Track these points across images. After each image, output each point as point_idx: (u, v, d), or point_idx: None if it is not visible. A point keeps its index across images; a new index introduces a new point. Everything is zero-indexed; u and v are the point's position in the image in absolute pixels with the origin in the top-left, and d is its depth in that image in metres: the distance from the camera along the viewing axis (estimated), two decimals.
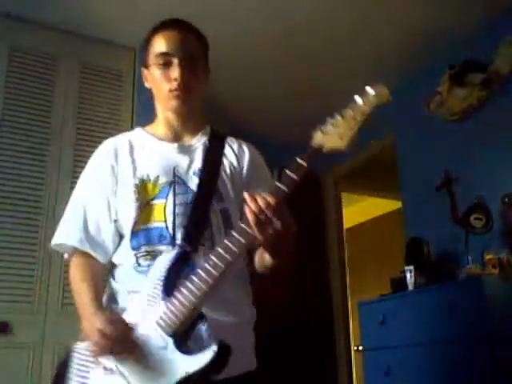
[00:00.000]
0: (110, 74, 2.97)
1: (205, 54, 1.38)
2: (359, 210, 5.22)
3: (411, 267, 2.68)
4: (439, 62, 3.10)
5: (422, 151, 3.26)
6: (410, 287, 2.65)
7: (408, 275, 2.67)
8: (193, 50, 1.33)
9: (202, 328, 1.07)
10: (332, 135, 1.05)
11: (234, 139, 1.41)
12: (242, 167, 1.35)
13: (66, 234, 1.30)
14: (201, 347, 1.03)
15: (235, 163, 1.35)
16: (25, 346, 2.34)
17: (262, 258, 1.22)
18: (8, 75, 2.70)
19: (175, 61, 1.29)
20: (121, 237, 1.27)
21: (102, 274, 1.28)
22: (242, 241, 1.04)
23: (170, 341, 1.05)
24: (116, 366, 1.08)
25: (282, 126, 3.86)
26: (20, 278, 2.46)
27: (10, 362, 2.30)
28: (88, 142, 2.72)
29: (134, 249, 1.23)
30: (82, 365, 1.14)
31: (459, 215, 2.71)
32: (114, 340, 1.05)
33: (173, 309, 1.06)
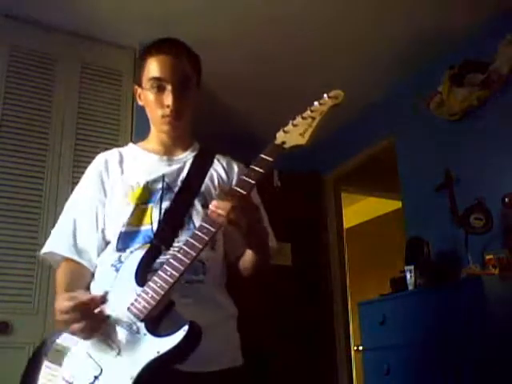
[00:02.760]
0: (110, 74, 2.97)
1: (197, 72, 1.43)
2: (359, 209, 5.22)
3: (411, 267, 2.67)
4: (439, 61, 3.10)
5: (422, 151, 3.26)
6: (410, 287, 2.65)
7: (408, 275, 2.67)
8: (185, 72, 1.37)
9: (173, 313, 1.10)
10: (293, 133, 1.14)
11: (223, 156, 1.47)
12: (231, 180, 1.40)
13: (55, 244, 1.36)
14: (172, 330, 1.06)
15: (224, 176, 1.41)
16: (25, 345, 2.34)
17: (243, 259, 1.31)
18: (8, 75, 2.70)
19: (168, 87, 1.34)
20: (107, 244, 1.33)
21: (84, 274, 1.33)
22: (211, 229, 1.09)
23: (142, 326, 1.08)
24: (87, 352, 1.12)
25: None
26: (20, 278, 2.46)
27: (9, 362, 2.29)
28: (88, 142, 2.72)
29: (119, 250, 1.27)
30: (54, 353, 1.18)
31: (459, 215, 2.71)
32: (73, 311, 1.08)
33: (144, 296, 1.09)
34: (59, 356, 1.16)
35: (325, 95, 1.15)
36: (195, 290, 1.22)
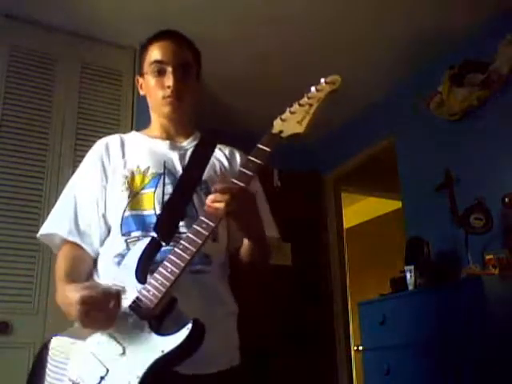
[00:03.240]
0: (110, 73, 2.97)
1: (197, 64, 1.43)
2: (359, 209, 5.21)
3: (411, 267, 2.67)
4: (439, 62, 3.10)
5: (422, 151, 3.26)
6: (410, 287, 2.65)
7: (408, 275, 2.67)
8: (186, 58, 1.38)
9: (176, 310, 1.09)
10: (290, 121, 1.12)
11: (225, 146, 1.46)
12: (235, 169, 1.38)
13: (56, 225, 1.33)
14: (175, 327, 1.05)
15: (226, 164, 1.40)
16: (25, 345, 2.34)
17: (242, 250, 1.30)
18: (8, 75, 2.69)
19: (169, 69, 1.34)
20: (109, 231, 1.30)
21: (86, 260, 1.30)
22: (211, 224, 1.08)
23: (145, 324, 1.07)
24: (91, 352, 1.10)
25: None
26: (20, 278, 2.46)
27: (9, 362, 2.30)
28: (88, 142, 2.67)
29: (124, 235, 1.26)
30: (60, 352, 1.17)
31: (459, 215, 2.71)
32: (95, 302, 1.05)
33: (145, 293, 1.08)
34: (64, 357, 1.15)
35: (322, 80, 1.15)
36: (200, 280, 1.21)
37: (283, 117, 1.13)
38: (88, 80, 2.90)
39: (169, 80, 1.33)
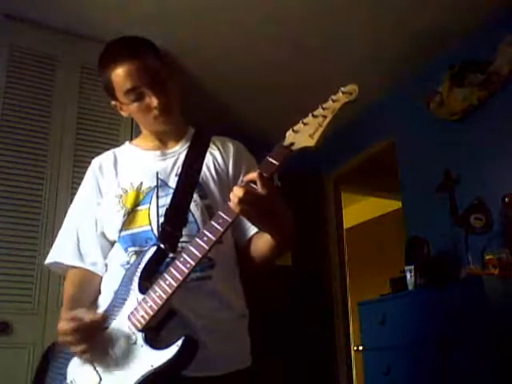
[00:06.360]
0: None
1: (165, 63, 1.37)
2: (359, 209, 5.22)
3: (411, 267, 2.68)
4: (439, 62, 3.10)
5: (422, 151, 3.26)
6: (410, 287, 2.65)
7: (408, 275, 2.68)
8: (154, 69, 1.30)
9: (175, 322, 1.09)
10: (302, 133, 1.07)
11: (219, 138, 1.43)
12: (228, 164, 1.37)
13: (59, 253, 1.36)
14: (169, 342, 1.04)
15: (220, 160, 1.37)
16: (25, 345, 2.34)
17: (262, 243, 1.24)
18: (8, 75, 2.69)
19: (146, 91, 1.28)
20: (112, 243, 1.32)
21: (91, 281, 1.33)
22: (212, 238, 1.06)
23: (140, 336, 1.08)
24: (89, 360, 1.12)
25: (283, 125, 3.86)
26: (20, 278, 2.46)
27: (9, 362, 2.30)
28: (87, 142, 2.71)
29: (125, 251, 1.27)
30: (62, 358, 1.18)
31: (459, 215, 2.71)
32: (74, 333, 1.08)
33: (144, 305, 1.09)
34: (65, 361, 1.17)
35: (340, 89, 1.07)
36: (203, 287, 1.20)
37: (296, 128, 1.08)
38: (88, 80, 2.90)
39: (153, 101, 1.27)
